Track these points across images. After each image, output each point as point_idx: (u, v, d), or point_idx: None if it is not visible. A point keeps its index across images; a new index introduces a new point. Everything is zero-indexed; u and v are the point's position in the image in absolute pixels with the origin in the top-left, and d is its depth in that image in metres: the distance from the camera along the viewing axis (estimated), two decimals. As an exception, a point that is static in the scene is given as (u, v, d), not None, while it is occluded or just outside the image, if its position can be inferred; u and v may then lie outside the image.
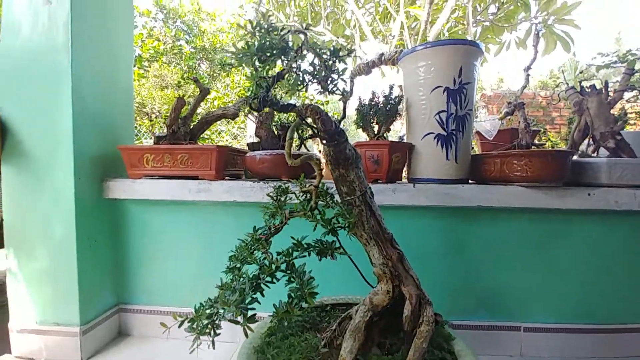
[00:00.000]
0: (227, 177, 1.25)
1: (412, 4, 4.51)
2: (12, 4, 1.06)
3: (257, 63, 0.51)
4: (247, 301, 0.47)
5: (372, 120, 1.15)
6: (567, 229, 1.09)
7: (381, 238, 0.59)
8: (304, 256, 0.56)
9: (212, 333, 0.48)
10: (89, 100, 1.12)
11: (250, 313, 0.47)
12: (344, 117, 1.09)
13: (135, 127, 3.99)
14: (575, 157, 1.17)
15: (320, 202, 0.60)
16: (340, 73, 0.57)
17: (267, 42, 0.49)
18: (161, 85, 3.98)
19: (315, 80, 0.58)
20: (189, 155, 1.11)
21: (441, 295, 1.10)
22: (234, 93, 5.32)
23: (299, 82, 0.57)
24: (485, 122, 1.37)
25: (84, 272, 1.11)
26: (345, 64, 0.54)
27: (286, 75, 0.60)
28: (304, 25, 0.57)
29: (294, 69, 0.55)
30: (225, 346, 1.16)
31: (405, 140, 1.19)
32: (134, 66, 5.74)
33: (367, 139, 1.17)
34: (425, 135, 1.09)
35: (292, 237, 0.60)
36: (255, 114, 1.28)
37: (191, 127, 1.31)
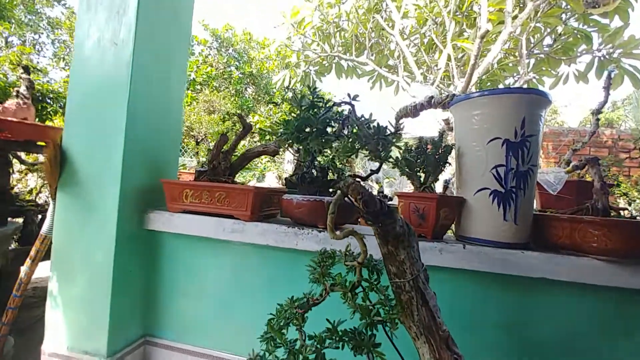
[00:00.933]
0: (263, 215, 1.23)
1: (459, 35, 4.41)
2: (83, 43, 1.16)
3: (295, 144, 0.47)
4: None
5: (418, 169, 1.07)
6: (658, 316, 0.89)
7: (434, 335, 0.50)
8: (337, 348, 0.48)
9: None
10: (140, 134, 1.17)
11: None
12: (386, 156, 1.01)
13: (182, 146, 4.25)
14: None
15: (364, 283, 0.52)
16: (395, 140, 0.51)
17: (306, 123, 0.45)
18: (209, 109, 4.22)
19: (366, 147, 0.52)
20: (226, 194, 1.10)
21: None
22: (276, 117, 5.51)
23: (348, 149, 0.51)
24: (549, 174, 1.21)
25: (116, 301, 1.12)
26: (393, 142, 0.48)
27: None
28: (352, 95, 0.53)
29: (343, 135, 0.50)
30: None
31: (452, 188, 1.09)
32: (188, 89, 6.22)
33: (412, 189, 1.08)
34: (479, 191, 0.98)
35: (328, 320, 0.53)
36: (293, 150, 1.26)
37: (231, 162, 1.31)
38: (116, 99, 1.12)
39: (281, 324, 0.54)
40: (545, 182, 1.23)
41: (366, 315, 0.46)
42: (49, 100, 2.01)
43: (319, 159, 1.31)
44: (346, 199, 0.48)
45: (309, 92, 0.50)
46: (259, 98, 6.95)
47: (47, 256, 1.22)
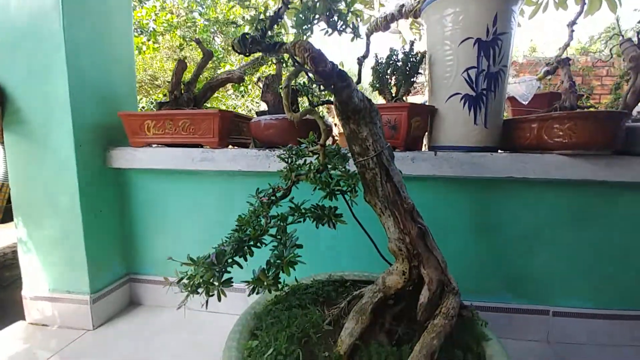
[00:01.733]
0: (233, 143, 1.18)
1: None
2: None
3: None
4: (224, 263, 0.40)
5: (389, 81, 1.03)
6: (614, 204, 0.95)
7: (398, 208, 0.50)
8: (299, 222, 0.48)
9: (206, 292, 0.42)
10: (86, 66, 1.06)
11: (226, 277, 0.40)
12: (359, 81, 0.97)
13: (150, 101, 3.98)
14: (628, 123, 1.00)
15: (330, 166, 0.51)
16: (348, 5, 0.46)
17: None
18: (173, 57, 3.90)
19: (320, 18, 0.47)
20: (190, 121, 1.03)
21: (464, 274, 1.01)
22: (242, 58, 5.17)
23: (302, 22, 0.46)
24: (520, 83, 1.20)
25: (92, 242, 1.09)
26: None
27: (288, 16, 0.50)
28: None
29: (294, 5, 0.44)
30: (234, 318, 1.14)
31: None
32: (149, 40, 5.68)
33: (384, 103, 1.05)
34: (451, 97, 0.96)
35: (292, 201, 0.52)
36: (263, 80, 1.18)
37: (195, 93, 1.23)
38: (49, 27, 0.98)
39: (251, 218, 0.52)
40: (517, 93, 1.23)
41: (326, 187, 0.45)
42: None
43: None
44: (297, 63, 0.44)
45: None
46: (229, 48, 6.46)
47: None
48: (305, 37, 0.51)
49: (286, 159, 0.59)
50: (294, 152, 0.60)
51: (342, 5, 0.44)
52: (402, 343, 0.49)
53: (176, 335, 1.06)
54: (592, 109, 0.95)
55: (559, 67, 1.04)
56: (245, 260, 0.44)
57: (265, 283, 0.40)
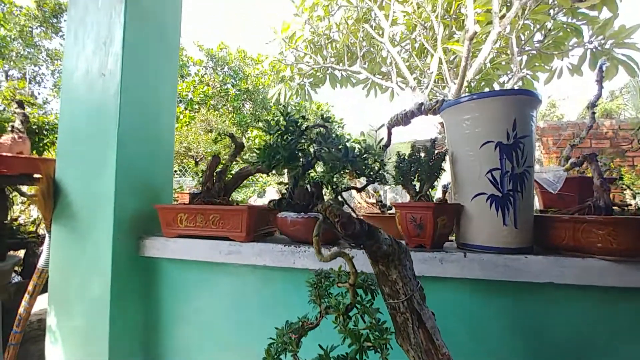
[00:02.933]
0: (259, 235, 1.21)
1: (449, 38, 4.44)
2: (72, 75, 1.17)
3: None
4: None
5: (412, 178, 1.05)
6: (674, 315, 0.86)
7: (433, 359, 0.47)
8: None
9: None
10: (132, 162, 1.17)
11: None
12: (381, 166, 1.00)
13: (182, 166, 4.27)
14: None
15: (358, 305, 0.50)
16: (377, 157, 0.50)
17: (276, 151, 0.44)
18: (206, 129, 4.25)
19: (347, 168, 0.51)
20: (220, 215, 1.08)
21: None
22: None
23: (331, 171, 0.50)
24: (547, 173, 1.19)
25: (115, 331, 1.09)
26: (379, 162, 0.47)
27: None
28: (325, 117, 0.52)
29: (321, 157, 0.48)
30: None
31: (449, 193, 1.07)
32: (186, 109, 6.30)
33: (409, 201, 1.06)
34: (476, 196, 0.96)
35: (320, 346, 0.51)
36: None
37: (226, 182, 1.31)
38: (106, 128, 1.13)
39: (278, 349, 0.52)
40: (545, 181, 1.21)
41: (356, 341, 0.43)
42: (45, 132, 2.03)
43: (312, 174, 1.30)
44: (328, 220, 0.46)
45: (282, 118, 0.49)
46: (257, 113, 7.01)
47: (45, 289, 1.21)
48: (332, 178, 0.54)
49: (314, 284, 0.59)
50: (322, 276, 0.60)
51: (375, 166, 0.48)
52: None
53: None
54: (631, 214, 0.90)
55: (587, 162, 1.03)
56: None
57: None
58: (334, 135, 0.49)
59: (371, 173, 0.49)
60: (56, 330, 1.13)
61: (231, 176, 1.33)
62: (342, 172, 0.49)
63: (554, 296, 0.91)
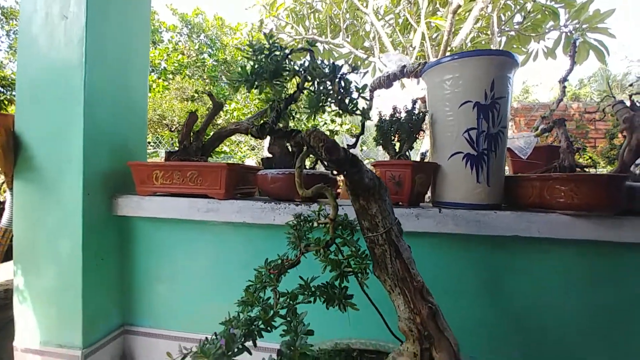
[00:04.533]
0: (239, 195, 1.20)
1: (433, 15, 4.41)
2: (30, 19, 1.07)
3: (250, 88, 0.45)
4: (234, 351, 0.39)
5: (393, 138, 1.06)
6: (624, 265, 0.94)
7: (408, 286, 0.50)
8: (309, 302, 0.48)
9: None
10: (102, 118, 1.10)
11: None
12: (362, 133, 1.00)
13: (157, 137, 4.09)
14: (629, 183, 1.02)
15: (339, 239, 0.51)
16: (360, 91, 0.49)
17: (260, 67, 0.43)
18: (182, 97, 4.06)
19: (332, 101, 0.51)
20: (198, 172, 1.06)
21: (470, 334, 0.98)
22: (253, 105, 5.38)
23: (315, 103, 0.49)
24: (519, 139, 1.24)
25: (89, 291, 1.07)
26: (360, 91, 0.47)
27: (303, 96, 0.53)
28: (312, 41, 0.51)
29: (312, 90, 0.48)
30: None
31: (428, 159, 1.10)
32: (159, 78, 5.95)
33: (388, 157, 1.08)
34: (453, 155, 0.99)
35: (301, 277, 0.52)
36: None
37: (204, 142, 1.27)
38: (71, 79, 1.04)
39: (257, 287, 0.52)
40: (516, 147, 1.26)
41: (337, 267, 0.45)
42: (1, 90, 1.85)
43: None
44: (310, 148, 0.46)
45: (266, 41, 0.47)
46: (235, 86, 6.74)
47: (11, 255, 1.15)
48: (315, 116, 0.54)
49: (294, 227, 0.59)
50: (302, 220, 0.60)
51: (354, 95, 0.47)
52: None
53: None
54: (592, 172, 0.97)
55: (555, 127, 1.09)
56: (255, 345, 0.43)
57: None
58: (319, 60, 0.48)
59: (355, 107, 0.49)
60: (24, 290, 1.09)
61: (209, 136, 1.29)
62: (322, 108, 0.49)
63: (520, 249, 0.97)
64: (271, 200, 1.06)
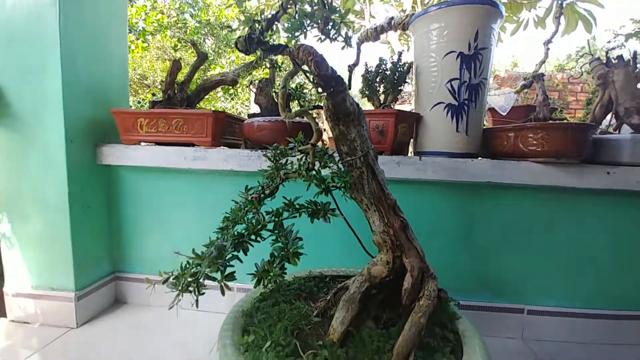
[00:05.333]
0: (224, 144, 1.21)
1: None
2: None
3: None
4: (226, 257, 0.43)
5: (378, 89, 1.08)
6: (583, 209, 1.03)
7: (383, 204, 0.54)
8: (295, 217, 0.51)
9: (196, 291, 0.44)
10: (80, 63, 1.07)
11: (228, 270, 0.43)
12: (349, 87, 1.02)
13: (138, 101, 3.92)
14: (595, 135, 1.09)
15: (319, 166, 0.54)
16: (342, 15, 0.50)
17: None
18: (163, 57, 3.87)
19: (315, 25, 0.51)
20: (184, 120, 1.05)
21: (444, 273, 1.06)
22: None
23: (297, 27, 0.50)
24: (500, 96, 1.28)
25: (78, 238, 1.09)
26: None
27: (283, 20, 0.54)
28: None
29: (291, 11, 0.48)
30: (221, 317, 1.14)
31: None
32: (138, 39, 5.61)
33: (373, 109, 1.10)
34: (435, 105, 1.02)
35: (285, 197, 0.56)
36: (256, 83, 1.21)
37: (188, 94, 1.25)
38: (45, 24, 0.99)
39: (237, 215, 0.54)
40: (496, 104, 1.30)
41: (321, 183, 0.48)
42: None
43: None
44: (297, 65, 0.48)
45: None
46: (220, 51, 6.46)
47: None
48: (295, 41, 0.55)
49: (272, 158, 0.62)
50: (279, 152, 0.63)
51: (336, 15, 0.48)
52: (388, 327, 0.53)
53: (161, 334, 1.06)
54: (563, 121, 1.02)
55: (534, 81, 1.12)
56: (245, 254, 0.47)
57: (272, 273, 0.43)
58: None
59: (337, 33, 0.50)
60: (12, 236, 1.09)
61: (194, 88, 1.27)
62: (305, 32, 0.49)
63: (493, 194, 1.04)
64: (258, 148, 1.08)
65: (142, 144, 1.14)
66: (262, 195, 0.56)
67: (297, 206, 0.51)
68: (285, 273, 0.46)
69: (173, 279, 0.48)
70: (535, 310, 1.08)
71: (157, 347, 0.99)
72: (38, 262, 1.09)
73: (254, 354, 0.49)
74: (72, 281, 1.08)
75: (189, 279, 0.47)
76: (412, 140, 1.13)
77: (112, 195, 1.20)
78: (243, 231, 0.49)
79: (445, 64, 0.99)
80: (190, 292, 0.47)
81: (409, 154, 1.18)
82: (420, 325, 0.48)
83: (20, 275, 1.10)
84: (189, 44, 1.20)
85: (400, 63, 1.08)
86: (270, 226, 0.49)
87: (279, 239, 0.47)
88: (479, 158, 1.03)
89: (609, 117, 1.16)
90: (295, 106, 1.19)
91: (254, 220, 0.50)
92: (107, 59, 1.20)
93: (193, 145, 1.08)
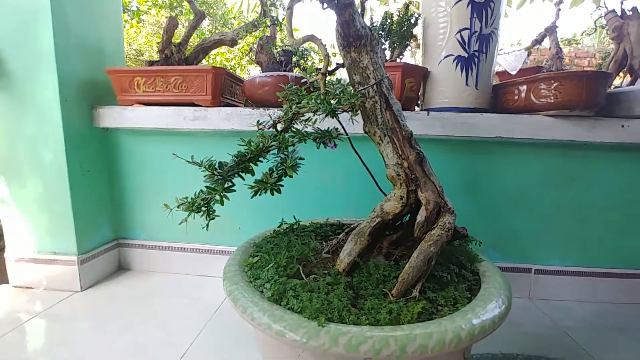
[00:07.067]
0: (225, 104, 1.17)
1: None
2: None
3: None
4: (229, 174, 0.42)
5: (384, 43, 1.04)
6: (595, 166, 1.00)
7: (397, 135, 0.51)
8: (301, 141, 0.49)
9: (207, 214, 0.43)
10: (72, 19, 1.02)
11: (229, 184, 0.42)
12: (362, 10, 0.96)
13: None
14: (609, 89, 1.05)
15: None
16: None
17: None
18: (159, 33, 3.76)
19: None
20: (183, 78, 1.01)
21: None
22: (236, 49, 5.07)
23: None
24: (509, 54, 1.23)
25: (79, 202, 1.07)
26: None
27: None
28: None
29: None
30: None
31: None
32: (132, 19, 5.46)
33: (379, 64, 1.06)
34: (444, 59, 0.98)
35: (292, 129, 0.53)
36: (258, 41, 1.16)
37: (186, 55, 1.20)
38: None
39: (257, 145, 0.51)
40: (506, 62, 1.26)
41: (327, 105, 0.45)
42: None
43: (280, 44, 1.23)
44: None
45: None
46: (216, 31, 6.29)
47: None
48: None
49: (285, 96, 0.59)
50: (292, 92, 0.60)
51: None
52: (398, 262, 0.51)
53: (166, 297, 1.05)
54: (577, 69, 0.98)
55: (547, 34, 1.08)
56: (253, 174, 0.45)
57: (268, 184, 0.41)
58: None
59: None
60: (10, 201, 1.07)
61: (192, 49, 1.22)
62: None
63: (502, 150, 1.01)
64: (260, 106, 1.04)
65: (141, 105, 1.10)
66: (275, 125, 0.53)
67: (304, 133, 0.48)
68: (282, 185, 0.44)
69: (187, 202, 0.46)
70: (543, 270, 1.07)
71: (164, 310, 0.98)
72: (39, 226, 1.08)
73: (254, 272, 0.48)
74: (74, 245, 1.07)
75: (200, 202, 0.45)
76: (418, 100, 1.09)
77: (111, 159, 1.17)
78: (246, 152, 0.47)
79: (455, 13, 0.94)
80: (202, 213, 0.46)
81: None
82: (430, 253, 0.46)
83: (22, 240, 1.09)
84: (186, 1, 1.15)
85: (407, 15, 1.03)
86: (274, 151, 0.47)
87: (280, 152, 0.45)
88: (488, 112, 0.99)
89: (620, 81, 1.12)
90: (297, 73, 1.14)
91: (260, 143, 0.47)
92: (100, 21, 1.15)
93: (193, 105, 1.05)
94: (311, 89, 0.57)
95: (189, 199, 0.48)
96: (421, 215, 0.50)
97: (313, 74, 0.54)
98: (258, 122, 0.54)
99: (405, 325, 0.41)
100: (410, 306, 0.44)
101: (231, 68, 4.40)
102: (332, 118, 0.46)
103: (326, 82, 0.51)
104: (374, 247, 0.52)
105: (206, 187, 0.44)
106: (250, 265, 0.50)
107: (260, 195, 0.50)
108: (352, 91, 0.48)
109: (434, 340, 0.39)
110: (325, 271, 0.49)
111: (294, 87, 0.60)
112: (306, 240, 0.57)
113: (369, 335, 0.38)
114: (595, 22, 1.22)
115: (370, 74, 0.50)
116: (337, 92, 0.48)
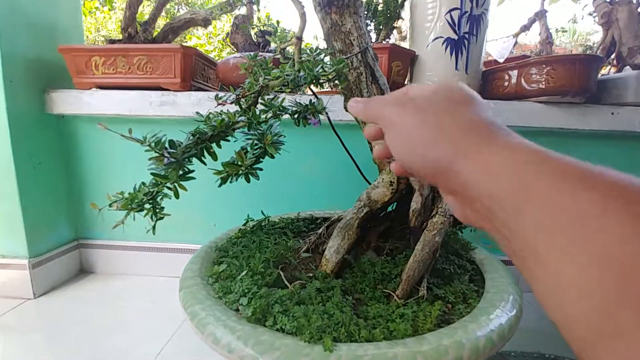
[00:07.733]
0: (196, 88, 1.07)
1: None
2: None
3: None
4: (184, 155, 0.33)
5: (369, 24, 0.97)
6: (584, 155, 0.97)
7: (384, 110, 0.44)
8: (276, 117, 0.41)
9: (153, 213, 0.34)
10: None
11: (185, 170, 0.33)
12: None
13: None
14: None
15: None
16: None
17: None
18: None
19: None
20: (147, 58, 0.91)
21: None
22: (216, 41, 4.88)
23: None
24: (497, 40, 1.19)
25: (29, 199, 0.95)
26: None
27: None
28: None
29: None
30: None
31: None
32: (104, 6, 5.16)
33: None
34: (433, 41, 0.92)
35: (262, 100, 0.45)
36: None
37: (153, 35, 1.09)
38: None
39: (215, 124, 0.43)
40: (494, 50, 1.22)
41: (309, 71, 0.38)
42: None
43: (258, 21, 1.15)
44: None
45: None
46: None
47: None
48: None
49: (249, 71, 0.51)
50: (259, 63, 0.51)
51: None
52: (393, 256, 0.44)
53: (132, 302, 0.95)
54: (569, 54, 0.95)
55: (537, 19, 1.04)
56: (215, 158, 0.37)
57: (242, 166, 0.33)
58: None
59: None
60: (-53, 197, 0.94)
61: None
62: None
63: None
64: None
65: (100, 88, 0.99)
66: (239, 104, 0.45)
67: (278, 106, 0.40)
68: (261, 169, 0.36)
69: (124, 199, 0.37)
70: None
71: (125, 316, 0.88)
72: (-18, 226, 0.95)
73: (223, 283, 0.40)
74: (24, 247, 0.95)
75: (143, 197, 0.36)
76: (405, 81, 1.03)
77: (68, 150, 1.05)
78: (207, 130, 0.39)
79: (444, -8, 0.88)
80: (147, 212, 0.37)
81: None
82: (435, 244, 0.40)
83: (-38, 242, 0.96)
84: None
85: (393, -5, 0.96)
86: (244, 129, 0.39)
87: (253, 129, 0.37)
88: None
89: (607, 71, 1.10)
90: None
91: (225, 118, 0.39)
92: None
93: (160, 89, 0.95)
94: (280, 60, 0.50)
95: (128, 194, 0.39)
96: (416, 202, 0.44)
97: (284, 39, 0.46)
98: (216, 96, 0.45)
99: (428, 335, 0.34)
100: (424, 309, 0.37)
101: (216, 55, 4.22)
102: (316, 87, 0.39)
103: (301, 48, 0.44)
104: (362, 242, 0.46)
105: (152, 174, 0.35)
106: (217, 276, 0.42)
107: (231, 182, 0.41)
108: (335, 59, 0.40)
109: (467, 350, 0.32)
110: (310, 274, 0.42)
111: (258, 57, 0.52)
112: (279, 239, 0.49)
113: (392, 356, 0.31)
114: (582, 9, 1.19)
115: (354, 40, 0.43)
116: (315, 59, 0.40)
